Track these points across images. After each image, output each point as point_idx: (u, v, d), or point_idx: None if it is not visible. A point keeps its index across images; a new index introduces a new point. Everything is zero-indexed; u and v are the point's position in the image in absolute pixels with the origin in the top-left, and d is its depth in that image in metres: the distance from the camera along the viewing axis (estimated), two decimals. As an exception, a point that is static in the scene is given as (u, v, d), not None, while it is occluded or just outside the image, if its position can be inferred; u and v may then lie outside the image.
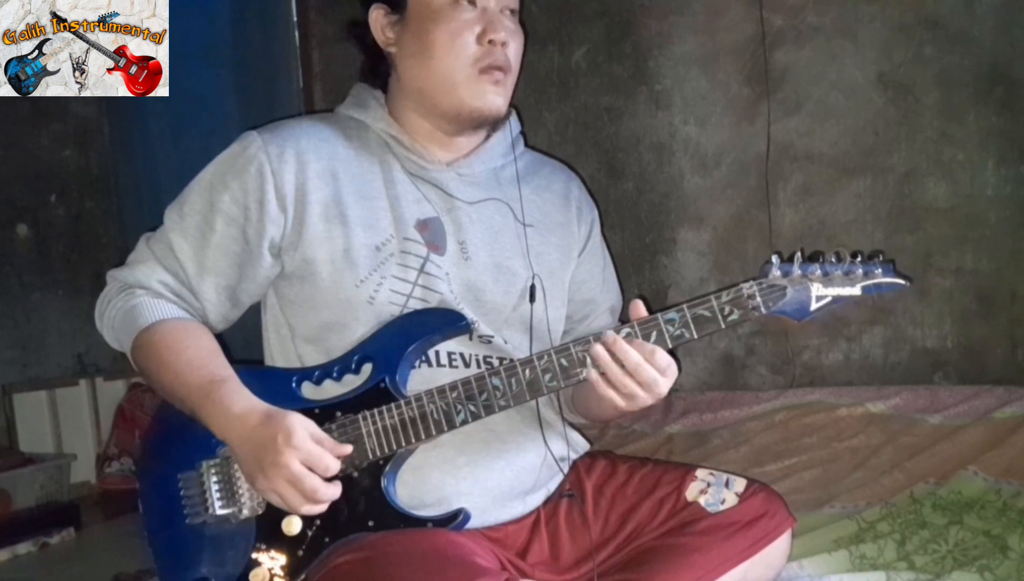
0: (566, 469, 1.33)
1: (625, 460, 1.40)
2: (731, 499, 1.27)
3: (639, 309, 1.13)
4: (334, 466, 1.10)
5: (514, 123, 1.37)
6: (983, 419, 1.82)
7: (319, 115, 1.34)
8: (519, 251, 1.30)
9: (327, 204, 1.22)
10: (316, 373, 1.21)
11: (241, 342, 1.35)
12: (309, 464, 1.08)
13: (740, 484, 1.29)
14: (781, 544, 1.28)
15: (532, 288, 1.29)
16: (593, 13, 2.42)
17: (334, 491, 1.11)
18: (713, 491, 1.28)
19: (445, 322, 1.22)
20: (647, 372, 1.10)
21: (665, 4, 2.34)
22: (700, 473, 1.32)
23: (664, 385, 1.13)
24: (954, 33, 2.04)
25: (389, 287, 1.21)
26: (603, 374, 1.11)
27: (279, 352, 1.28)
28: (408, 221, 1.24)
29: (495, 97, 1.24)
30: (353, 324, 1.21)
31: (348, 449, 1.13)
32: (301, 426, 1.10)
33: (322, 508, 1.11)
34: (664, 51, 2.35)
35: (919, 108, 2.09)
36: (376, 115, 1.29)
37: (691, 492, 1.29)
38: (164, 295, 1.24)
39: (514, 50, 1.26)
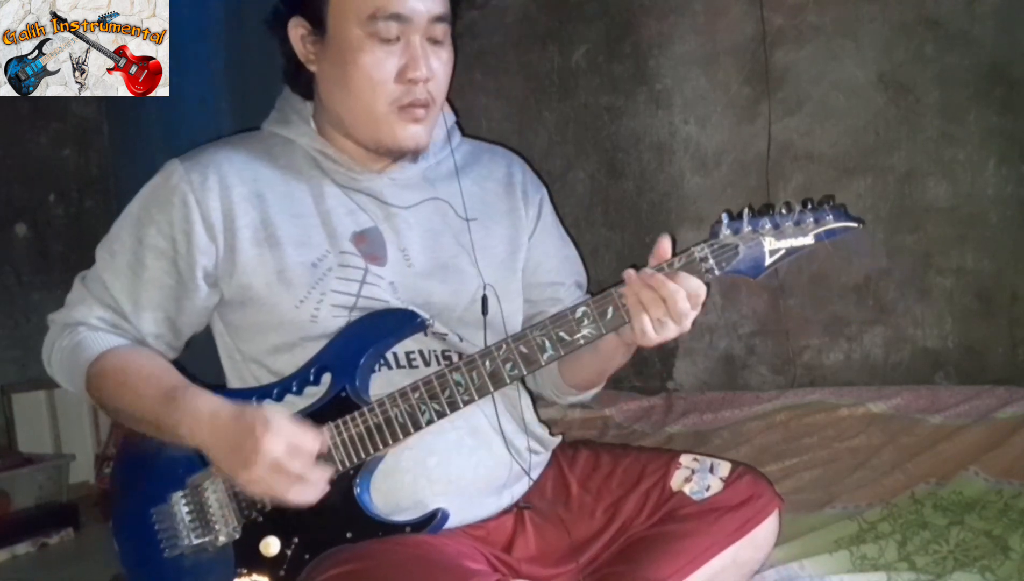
0: (532, 461, 1.30)
1: (608, 449, 1.39)
2: (716, 485, 1.27)
3: (664, 247, 1.10)
4: (319, 445, 1.08)
5: (448, 115, 1.33)
6: (984, 419, 1.82)
7: (243, 135, 1.30)
8: (463, 248, 1.27)
9: (256, 227, 1.19)
10: (275, 389, 1.18)
11: (196, 367, 1.32)
12: (294, 444, 1.06)
13: (725, 468, 1.29)
14: (768, 526, 1.28)
15: (484, 299, 1.26)
16: (593, 13, 2.42)
17: (324, 472, 1.09)
18: (698, 478, 1.28)
19: (399, 323, 1.19)
20: (681, 299, 1.07)
21: (665, 4, 2.34)
22: (684, 459, 1.31)
23: (691, 318, 1.10)
24: (954, 33, 2.04)
25: (330, 302, 1.18)
26: (638, 300, 1.08)
27: (234, 375, 1.26)
28: (343, 235, 1.21)
29: (416, 132, 1.20)
30: (300, 343, 1.19)
31: (325, 436, 1.11)
32: (278, 413, 1.08)
33: (314, 494, 1.08)
34: (664, 51, 2.35)
35: (919, 108, 2.09)
36: (300, 130, 1.26)
37: (676, 481, 1.28)
38: (104, 328, 1.22)
39: (439, 80, 1.21)
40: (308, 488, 1.08)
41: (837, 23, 2.15)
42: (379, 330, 1.19)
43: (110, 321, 1.22)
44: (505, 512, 1.26)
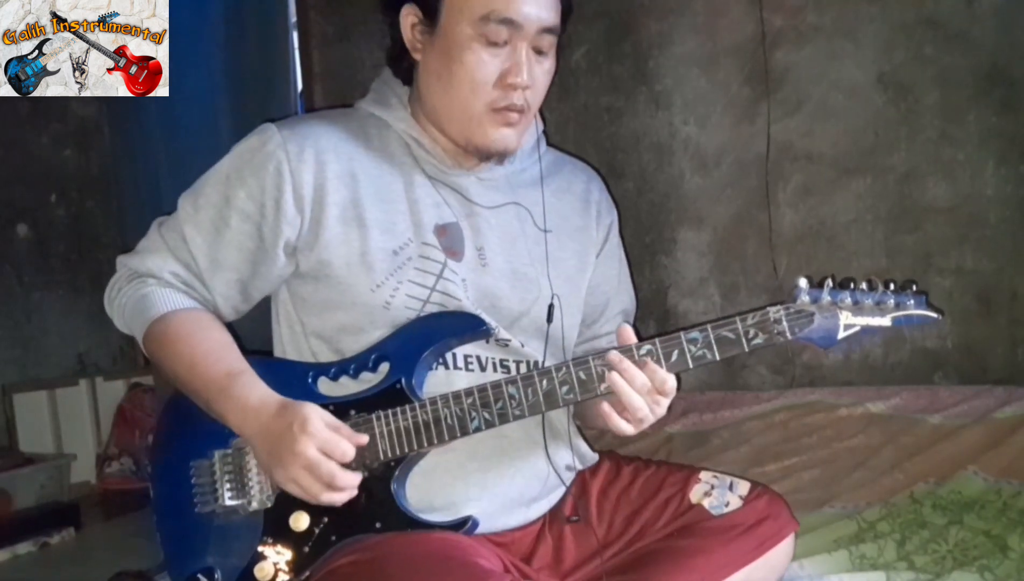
0: (570, 480, 1.32)
1: (629, 461, 1.40)
2: (735, 502, 1.27)
3: (628, 335, 1.13)
4: (350, 451, 1.09)
5: (537, 123, 1.34)
6: (983, 419, 1.82)
7: (339, 111, 1.31)
8: (536, 258, 1.28)
9: (345, 206, 1.20)
10: (333, 369, 1.20)
11: (249, 329, 1.34)
12: (325, 450, 1.08)
13: (744, 487, 1.29)
14: (784, 548, 1.28)
15: (551, 308, 1.26)
16: (593, 13, 2.41)
17: (353, 478, 1.10)
18: (717, 494, 1.28)
19: (465, 326, 1.20)
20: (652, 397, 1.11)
21: (665, 4, 2.34)
22: (704, 475, 1.31)
23: (664, 407, 1.14)
24: (954, 33, 2.04)
25: (406, 292, 1.19)
26: (614, 394, 1.11)
27: (291, 346, 1.26)
28: (427, 226, 1.22)
29: (506, 136, 1.21)
30: (368, 327, 1.20)
31: (364, 439, 1.12)
32: (316, 414, 1.10)
33: (343, 497, 1.10)
34: (664, 51, 2.35)
35: (919, 108, 2.09)
36: (398, 115, 1.27)
37: (695, 494, 1.28)
38: (175, 285, 1.23)
39: (538, 89, 1.22)
40: (338, 493, 1.10)
41: (837, 23, 2.15)
42: (444, 329, 1.19)
43: (183, 278, 1.23)
44: (532, 524, 1.26)
